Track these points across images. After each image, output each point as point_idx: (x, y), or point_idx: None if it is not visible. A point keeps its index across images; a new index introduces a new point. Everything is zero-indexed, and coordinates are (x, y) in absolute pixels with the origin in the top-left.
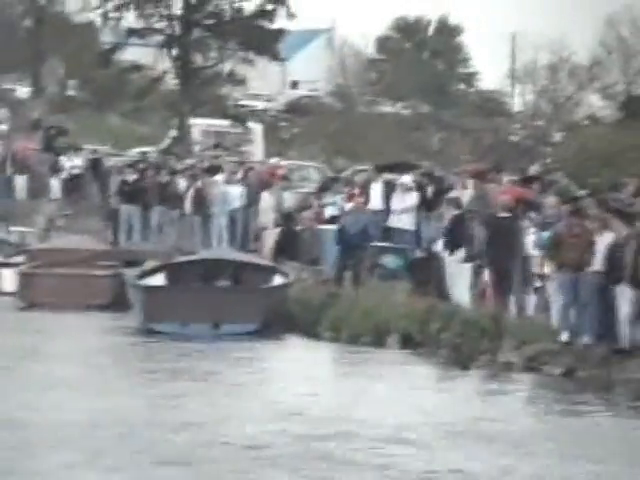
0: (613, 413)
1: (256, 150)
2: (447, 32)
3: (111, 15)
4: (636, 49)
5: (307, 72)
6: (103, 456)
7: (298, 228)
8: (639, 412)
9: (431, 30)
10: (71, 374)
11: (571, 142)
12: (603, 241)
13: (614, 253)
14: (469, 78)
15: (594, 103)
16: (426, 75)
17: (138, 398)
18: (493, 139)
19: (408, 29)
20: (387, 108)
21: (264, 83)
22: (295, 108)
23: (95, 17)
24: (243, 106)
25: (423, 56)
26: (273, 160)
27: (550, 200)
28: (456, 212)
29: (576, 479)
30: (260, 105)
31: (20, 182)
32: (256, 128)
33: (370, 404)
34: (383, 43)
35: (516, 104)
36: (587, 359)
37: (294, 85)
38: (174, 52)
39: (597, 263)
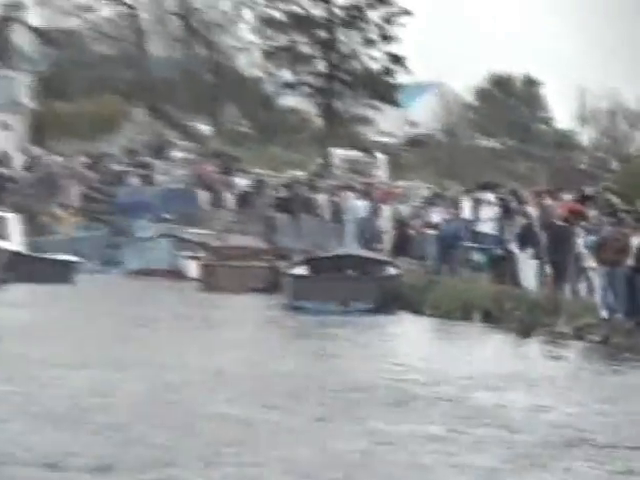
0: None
1: (381, 174)
2: (529, 84)
3: (272, 71)
4: None
5: (423, 114)
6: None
7: (410, 232)
8: None
9: (517, 83)
10: (241, 337)
11: (624, 170)
12: (634, 243)
13: None
14: (547, 119)
15: None
16: (513, 117)
17: (297, 354)
18: (565, 167)
19: (500, 82)
20: (483, 142)
21: (389, 123)
22: (412, 142)
23: (260, 72)
24: (372, 141)
25: (511, 102)
26: (395, 182)
27: (594, 213)
28: (525, 221)
29: (609, 415)
30: (385, 140)
31: (202, 196)
32: (381, 157)
33: (458, 360)
34: (480, 92)
35: (584, 140)
36: (619, 330)
37: (412, 125)
38: (320, 100)
39: (630, 260)
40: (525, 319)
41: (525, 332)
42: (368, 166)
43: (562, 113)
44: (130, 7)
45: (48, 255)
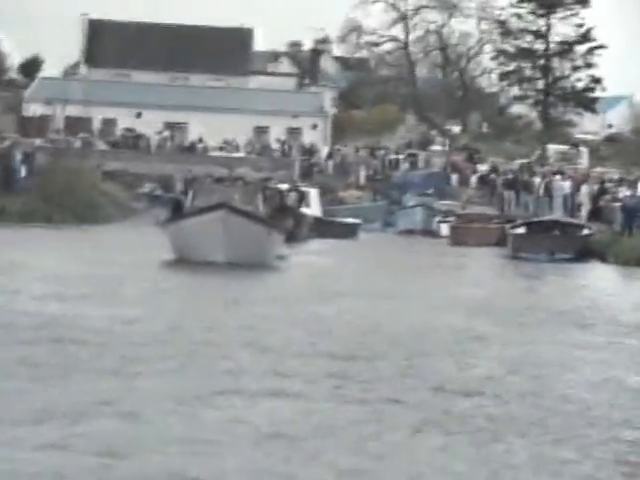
0: None
1: (583, 162)
2: None
3: (505, 88)
4: None
5: (617, 119)
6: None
7: (601, 204)
8: None
9: None
10: (479, 276)
11: None
12: None
13: None
14: None
15: None
16: None
17: (516, 288)
18: None
19: None
20: None
21: (593, 125)
22: (608, 139)
23: (496, 89)
24: (578, 138)
25: None
26: (593, 169)
27: None
28: None
29: None
30: (589, 137)
31: (453, 178)
32: (584, 150)
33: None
34: None
35: None
36: None
37: (609, 126)
38: (539, 109)
39: None
40: None
41: None
42: (574, 157)
43: None
44: (404, 43)
45: (339, 219)
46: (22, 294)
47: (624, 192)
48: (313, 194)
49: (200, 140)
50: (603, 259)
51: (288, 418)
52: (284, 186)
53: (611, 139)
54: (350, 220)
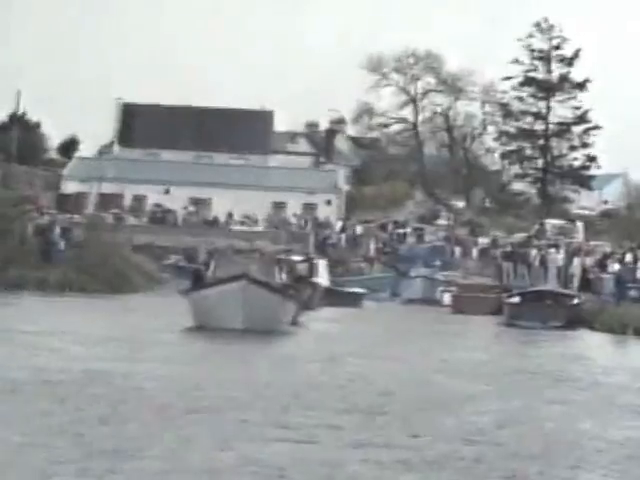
0: None
1: (579, 236)
2: None
3: (506, 166)
4: None
5: (612, 195)
6: None
7: (591, 276)
8: None
9: None
10: (476, 343)
11: None
12: None
13: None
14: None
15: None
16: None
17: (512, 352)
18: None
19: None
20: None
21: (589, 202)
22: (604, 214)
23: (499, 167)
24: (575, 213)
25: None
26: (588, 242)
27: None
28: None
29: None
30: (585, 212)
31: (457, 250)
32: (579, 225)
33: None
34: None
35: None
36: None
37: (605, 202)
38: (538, 186)
39: None
40: None
41: None
42: (570, 231)
43: None
44: (413, 124)
45: (346, 288)
46: (64, 353)
47: (612, 265)
48: (322, 265)
49: (230, 215)
50: (591, 327)
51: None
52: (296, 257)
53: (606, 214)
54: (356, 290)
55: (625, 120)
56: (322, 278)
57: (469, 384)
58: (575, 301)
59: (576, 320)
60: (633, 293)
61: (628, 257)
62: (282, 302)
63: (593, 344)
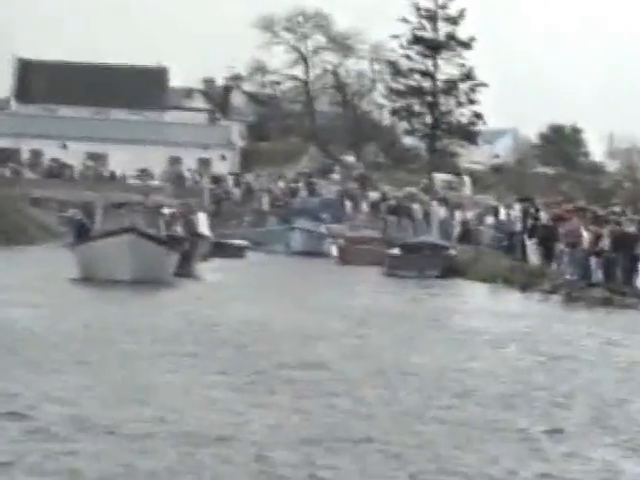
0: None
1: (467, 190)
2: (575, 130)
3: (396, 123)
4: None
5: (503, 150)
6: None
7: (470, 228)
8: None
9: (567, 129)
10: (361, 289)
11: (633, 188)
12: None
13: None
14: (586, 154)
15: None
16: (563, 153)
17: (393, 297)
18: (594, 186)
19: (556, 129)
20: (542, 169)
21: (480, 156)
22: (495, 169)
23: (389, 120)
24: (465, 168)
25: (562, 143)
26: (475, 196)
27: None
28: (532, 221)
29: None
30: (476, 167)
31: (348, 204)
32: (467, 179)
33: (476, 312)
34: (542, 136)
35: (611, 168)
36: (576, 288)
37: (495, 157)
38: (427, 141)
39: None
40: (526, 281)
41: (524, 289)
42: (458, 185)
43: (597, 150)
44: (304, 82)
45: (229, 241)
46: None
47: (489, 218)
48: (202, 217)
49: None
50: (465, 276)
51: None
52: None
53: (496, 169)
54: (239, 242)
55: (514, 77)
56: (202, 230)
57: (338, 323)
58: (451, 252)
59: (452, 270)
60: (504, 244)
61: (502, 211)
62: (167, 253)
63: (462, 292)
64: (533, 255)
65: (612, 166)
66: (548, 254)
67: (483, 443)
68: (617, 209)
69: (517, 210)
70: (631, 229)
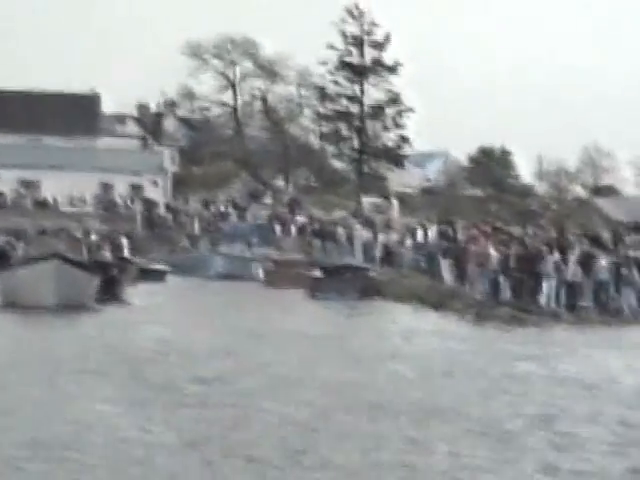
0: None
1: (394, 213)
2: (504, 153)
3: (325, 147)
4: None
5: (434, 173)
6: None
7: (391, 250)
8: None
9: (496, 152)
10: (284, 310)
11: (559, 210)
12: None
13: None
14: (515, 176)
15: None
16: (493, 175)
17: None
18: (522, 208)
19: (485, 151)
20: (472, 191)
21: (411, 179)
22: (425, 191)
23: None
24: (395, 191)
25: (492, 165)
26: (402, 218)
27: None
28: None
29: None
30: (406, 190)
31: (277, 228)
32: (395, 202)
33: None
34: (472, 158)
35: (539, 190)
36: (486, 306)
37: (426, 180)
38: (355, 165)
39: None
40: (439, 300)
41: (437, 308)
42: (386, 208)
43: (526, 172)
44: (233, 108)
45: (150, 265)
46: None
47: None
48: (124, 242)
49: (56, 198)
50: (383, 296)
51: None
52: (94, 237)
53: (427, 191)
54: (160, 266)
55: (444, 100)
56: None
57: (238, 340)
58: (371, 274)
59: (370, 291)
60: (423, 265)
61: (420, 232)
62: (90, 279)
63: (375, 311)
64: (448, 275)
65: (541, 188)
66: (461, 274)
67: None
68: (530, 230)
69: (434, 232)
70: (534, 249)
